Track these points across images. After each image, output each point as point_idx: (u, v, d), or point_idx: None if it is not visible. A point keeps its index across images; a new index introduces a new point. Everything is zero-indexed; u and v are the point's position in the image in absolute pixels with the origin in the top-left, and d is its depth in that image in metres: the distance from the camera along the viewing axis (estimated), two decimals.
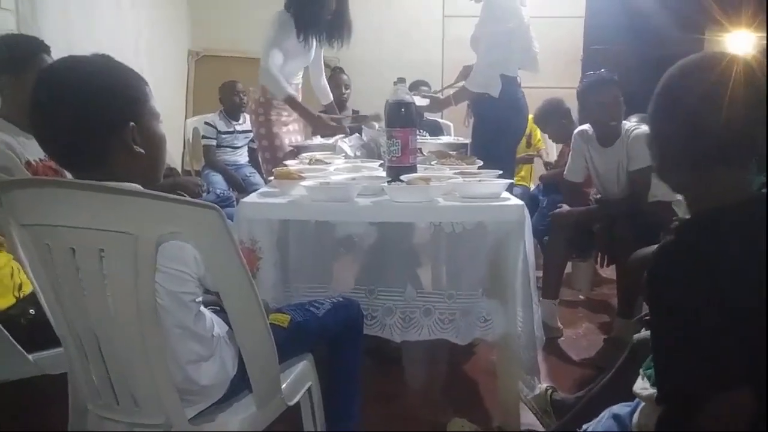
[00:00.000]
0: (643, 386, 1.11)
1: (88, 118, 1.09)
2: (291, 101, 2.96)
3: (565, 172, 3.04)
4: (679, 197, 2.82)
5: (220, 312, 1.31)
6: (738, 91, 0.90)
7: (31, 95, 1.10)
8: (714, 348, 0.84)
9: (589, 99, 2.78)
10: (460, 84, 2.94)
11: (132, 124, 1.13)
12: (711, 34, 5.39)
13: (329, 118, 3.01)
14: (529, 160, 4.19)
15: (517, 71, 2.86)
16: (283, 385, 1.33)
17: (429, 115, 3.44)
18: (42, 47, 1.97)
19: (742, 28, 5.15)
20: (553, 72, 4.60)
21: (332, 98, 3.54)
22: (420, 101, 2.95)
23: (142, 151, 1.15)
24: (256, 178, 4.24)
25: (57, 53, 1.91)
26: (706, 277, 0.85)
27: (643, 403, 1.13)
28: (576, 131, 2.97)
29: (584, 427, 1.29)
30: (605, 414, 1.26)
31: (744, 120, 0.91)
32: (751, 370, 0.83)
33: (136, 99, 1.15)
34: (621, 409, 1.25)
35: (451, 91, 3.03)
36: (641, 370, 1.16)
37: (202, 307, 1.25)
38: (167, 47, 4.84)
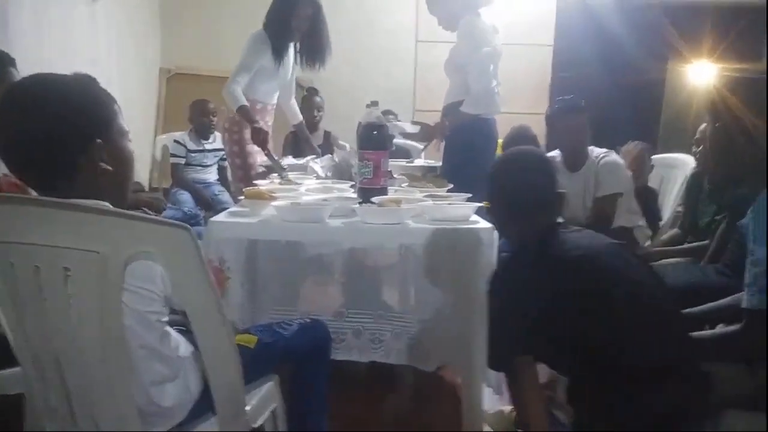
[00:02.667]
0: None
1: (53, 134, 1.08)
2: (243, 111, 2.98)
3: None
4: (641, 223, 2.92)
5: (186, 332, 1.29)
6: (531, 178, 1.44)
7: None
8: (511, 327, 1.29)
9: (557, 124, 2.86)
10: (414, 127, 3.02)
11: (99, 141, 1.12)
12: (673, 64, 5.58)
13: (265, 135, 3.01)
14: None
15: None
16: (248, 407, 1.32)
17: (397, 140, 3.47)
18: (7, 60, 1.94)
19: (703, 59, 5.34)
20: (521, 98, 4.70)
21: (302, 118, 3.56)
22: (411, 128, 2.99)
23: (109, 168, 1.14)
24: (225, 196, 4.21)
25: (28, 68, 1.89)
26: (512, 283, 1.33)
27: None
28: None
29: None
30: None
31: (534, 196, 1.42)
32: (533, 344, 1.26)
33: (103, 116, 1.15)
34: None
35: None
36: None
37: (167, 327, 1.23)
38: (138, 64, 4.80)
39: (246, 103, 2.97)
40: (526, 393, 1.23)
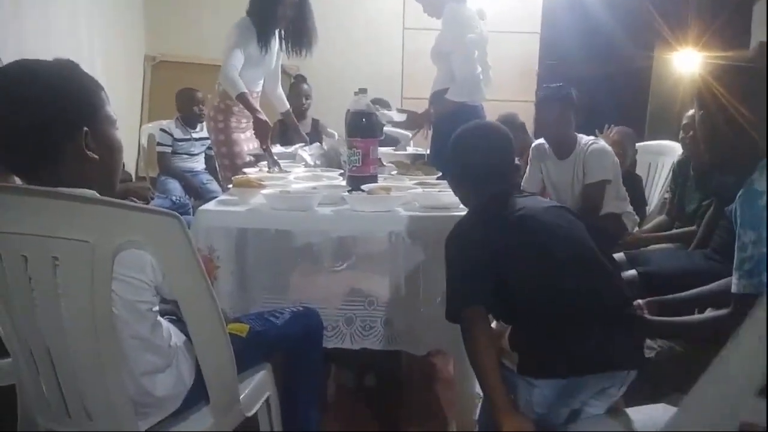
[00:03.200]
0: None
1: (40, 121, 1.06)
2: (243, 98, 2.91)
3: (522, 183, 3.10)
4: (629, 210, 2.93)
5: (177, 322, 1.29)
6: (486, 149, 1.57)
7: None
8: (463, 279, 1.39)
9: (538, 111, 2.88)
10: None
11: (86, 129, 1.10)
12: (659, 52, 5.60)
13: (267, 129, 2.89)
14: None
15: None
16: (241, 396, 1.32)
17: (386, 129, 3.47)
18: None
19: (688, 47, 5.37)
20: (509, 85, 4.70)
21: (288, 106, 3.53)
22: (398, 116, 2.98)
23: (96, 156, 1.12)
24: (213, 185, 4.19)
25: (8, 56, 1.86)
26: (463, 239, 1.44)
27: None
28: (533, 145, 3.04)
29: None
30: None
31: (488, 166, 1.55)
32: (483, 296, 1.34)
33: (90, 104, 1.13)
34: None
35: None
36: None
37: (158, 317, 1.22)
38: (122, 52, 4.73)
39: (245, 90, 2.91)
40: (477, 341, 1.32)
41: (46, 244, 1.02)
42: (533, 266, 1.33)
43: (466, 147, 1.60)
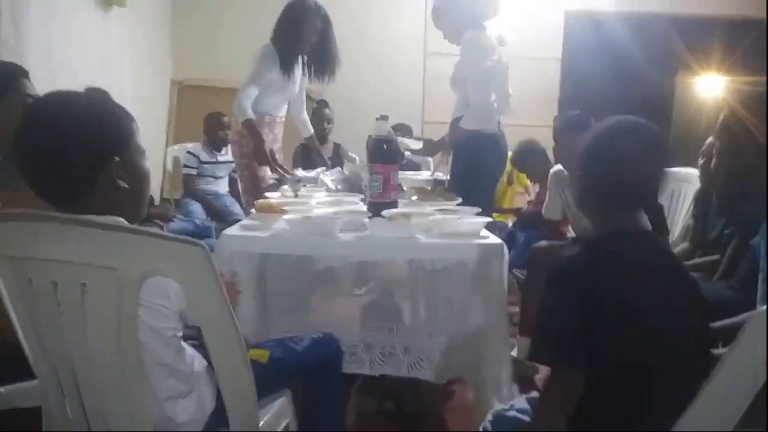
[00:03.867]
0: None
1: (73, 153, 1.10)
2: (249, 125, 2.94)
3: (543, 210, 3.09)
4: None
5: (200, 347, 1.30)
6: (637, 154, 1.22)
7: (16, 129, 1.11)
8: (558, 328, 1.12)
9: (557, 141, 2.89)
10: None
11: (117, 159, 1.14)
12: (682, 78, 5.58)
13: (272, 158, 2.96)
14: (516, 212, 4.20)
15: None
16: (261, 422, 1.32)
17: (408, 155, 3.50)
18: (21, 72, 1.95)
19: (711, 72, 5.35)
20: (530, 110, 4.70)
21: (313, 131, 3.58)
22: (414, 144, 3.00)
23: (126, 186, 1.16)
24: (236, 207, 4.23)
25: (39, 81, 1.91)
26: (572, 282, 1.15)
27: None
28: (552, 171, 3.04)
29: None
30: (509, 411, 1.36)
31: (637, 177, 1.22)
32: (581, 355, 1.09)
33: (122, 134, 1.16)
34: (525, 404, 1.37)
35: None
36: None
37: (182, 342, 1.24)
38: (150, 76, 4.84)
39: (253, 116, 2.95)
40: (559, 411, 1.12)
41: (75, 271, 1.04)
42: (623, 338, 1.10)
43: (600, 151, 1.27)
